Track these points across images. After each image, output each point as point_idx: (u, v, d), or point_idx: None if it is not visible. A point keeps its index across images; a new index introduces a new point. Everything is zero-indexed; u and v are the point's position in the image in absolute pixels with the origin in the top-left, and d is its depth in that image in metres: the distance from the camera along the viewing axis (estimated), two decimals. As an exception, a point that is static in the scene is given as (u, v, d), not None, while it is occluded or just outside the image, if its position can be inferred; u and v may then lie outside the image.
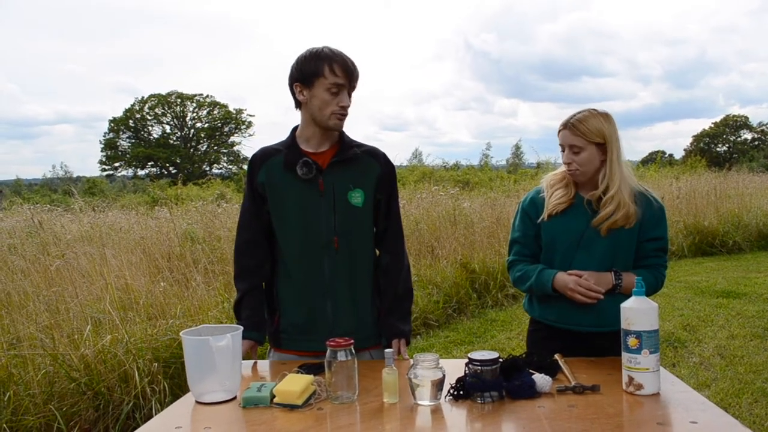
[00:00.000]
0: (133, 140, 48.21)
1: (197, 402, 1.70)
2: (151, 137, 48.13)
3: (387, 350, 1.67)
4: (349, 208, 2.03)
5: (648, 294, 1.75)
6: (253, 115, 55.90)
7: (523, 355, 1.89)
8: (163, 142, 47.55)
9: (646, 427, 1.45)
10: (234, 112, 48.98)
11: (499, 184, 16.39)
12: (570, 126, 2.01)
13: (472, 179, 19.98)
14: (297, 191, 2.02)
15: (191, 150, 48.70)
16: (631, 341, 1.63)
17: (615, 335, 1.99)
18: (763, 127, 48.43)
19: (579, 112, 2.03)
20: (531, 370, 1.72)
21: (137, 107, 47.78)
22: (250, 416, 1.59)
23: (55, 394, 3.39)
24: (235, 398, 1.71)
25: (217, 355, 1.66)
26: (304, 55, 1.99)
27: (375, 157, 2.11)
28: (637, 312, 1.64)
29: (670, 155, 42.60)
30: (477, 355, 1.67)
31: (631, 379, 1.64)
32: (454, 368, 1.73)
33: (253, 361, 2.09)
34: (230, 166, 48.36)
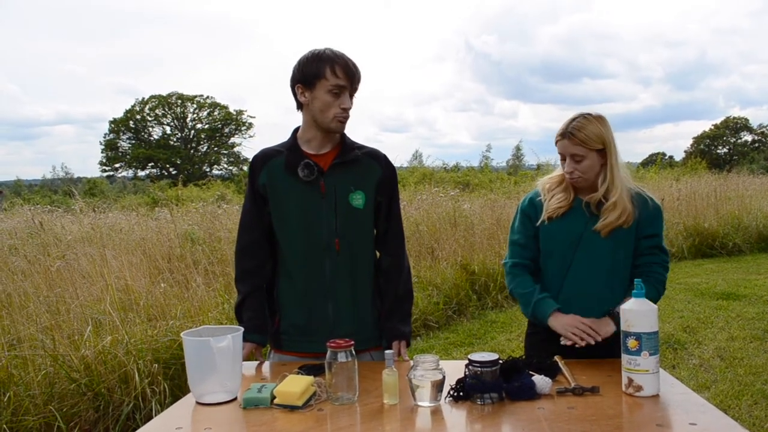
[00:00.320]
0: (134, 141, 48.21)
1: (198, 403, 1.70)
2: (152, 138, 48.15)
3: (387, 351, 1.68)
4: (350, 210, 2.03)
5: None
6: (254, 116, 55.94)
7: (523, 357, 1.89)
8: (163, 143, 47.56)
9: (646, 428, 1.45)
10: (234, 113, 49.01)
11: (500, 185, 16.41)
12: (568, 135, 1.99)
13: (472, 181, 19.98)
14: (298, 193, 2.03)
15: (191, 151, 48.71)
16: (631, 343, 1.64)
17: (613, 338, 2.01)
18: (764, 129, 48.39)
19: (574, 119, 2.01)
20: (531, 372, 1.73)
21: (137, 108, 47.80)
22: (251, 417, 1.59)
23: (56, 394, 3.40)
24: (235, 399, 1.71)
25: (218, 356, 1.66)
26: (306, 57, 1.99)
27: (376, 159, 2.11)
28: (637, 314, 1.64)
29: (671, 157, 42.68)
30: (477, 356, 1.67)
31: (630, 380, 1.64)
32: (454, 370, 1.73)
33: (257, 362, 2.09)
34: (230, 168, 48.36)
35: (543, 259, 2.13)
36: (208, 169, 47.78)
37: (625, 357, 1.66)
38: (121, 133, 47.90)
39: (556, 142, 2.05)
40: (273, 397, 1.64)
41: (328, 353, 1.64)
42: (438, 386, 1.60)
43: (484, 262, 7.08)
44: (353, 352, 1.66)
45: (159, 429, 1.59)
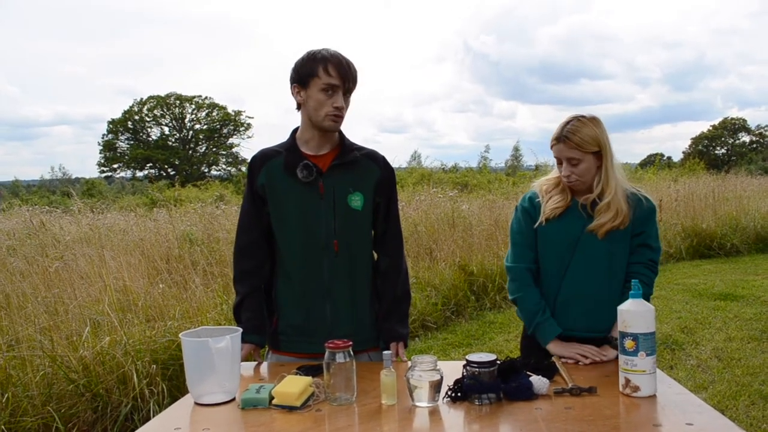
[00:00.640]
0: (132, 142, 48.16)
1: (196, 403, 1.71)
2: (150, 139, 48.10)
3: (385, 352, 1.68)
4: (349, 212, 2.04)
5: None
6: (252, 117, 56.07)
7: (521, 358, 1.90)
8: (161, 144, 47.51)
9: (643, 428, 1.46)
10: (233, 113, 49.00)
11: (498, 186, 16.42)
12: (564, 139, 1.99)
13: (470, 181, 19.99)
14: (297, 194, 2.03)
15: (190, 152, 48.67)
16: (628, 343, 1.64)
17: (608, 341, 2.01)
18: (762, 130, 48.50)
19: (569, 123, 2.01)
20: (528, 372, 1.73)
21: (136, 109, 47.75)
22: (249, 417, 1.59)
23: (54, 395, 3.39)
24: (234, 400, 1.71)
25: (216, 356, 1.66)
26: (302, 57, 2.01)
27: (375, 160, 2.11)
28: (634, 314, 1.65)
29: (669, 158, 42.67)
30: (475, 357, 1.67)
31: (627, 381, 1.65)
32: (452, 370, 1.74)
33: (255, 363, 2.10)
34: (229, 168, 48.32)
35: (541, 260, 2.13)
36: (206, 170, 47.75)
37: (622, 357, 1.66)
38: (120, 134, 47.85)
39: (552, 146, 2.04)
40: (271, 398, 1.65)
41: (326, 354, 1.64)
42: (436, 387, 1.61)
43: (482, 262, 7.08)
44: (351, 352, 1.66)
45: (157, 430, 1.59)
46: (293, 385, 1.64)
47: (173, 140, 48.53)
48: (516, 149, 42.00)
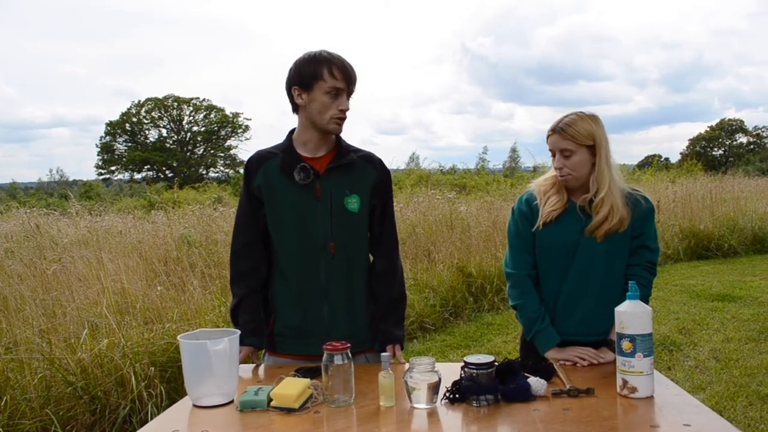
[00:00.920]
0: (130, 144, 48.11)
1: (194, 406, 1.71)
2: (148, 141, 48.06)
3: (383, 354, 1.68)
4: (346, 214, 2.04)
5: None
6: (250, 119, 55.98)
7: (519, 359, 1.90)
8: (159, 146, 47.47)
9: (640, 429, 1.47)
10: (231, 115, 48.98)
11: (496, 187, 16.46)
12: (559, 130, 1.99)
13: (468, 183, 20.01)
14: (294, 195, 2.03)
15: (188, 154, 48.63)
16: (625, 345, 1.64)
17: (606, 343, 2.02)
18: (759, 131, 48.58)
19: (567, 116, 2.01)
20: (526, 374, 1.73)
21: (134, 111, 47.72)
22: (248, 420, 1.59)
23: (52, 398, 3.39)
24: (232, 402, 1.72)
25: (215, 358, 1.67)
26: (303, 59, 2.00)
27: (371, 162, 2.12)
28: (631, 316, 1.65)
29: (666, 159, 42.68)
30: (473, 358, 1.68)
31: (625, 382, 1.65)
32: (450, 372, 1.74)
33: (254, 365, 2.10)
34: (227, 170, 48.29)
35: (540, 265, 2.11)
36: (204, 172, 47.71)
37: (619, 359, 1.66)
38: (117, 136, 47.79)
39: (548, 138, 2.04)
40: (270, 400, 1.65)
41: (325, 356, 1.65)
42: (434, 388, 1.61)
43: (480, 264, 7.09)
44: (350, 354, 1.66)
45: (156, 432, 1.59)
46: (291, 387, 1.64)
47: (171, 142, 48.50)
48: (514, 150, 42.04)
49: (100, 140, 47.87)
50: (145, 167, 47.36)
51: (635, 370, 1.63)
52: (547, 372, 1.80)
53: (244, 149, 49.20)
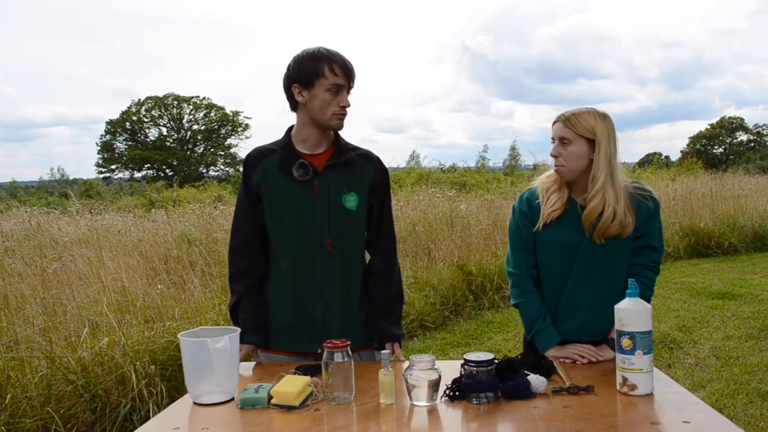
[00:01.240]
0: (130, 142, 48.10)
1: (195, 403, 1.71)
2: (148, 139, 48.05)
3: (384, 351, 1.68)
4: (344, 212, 2.04)
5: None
6: (250, 117, 56.03)
7: (519, 357, 1.90)
8: (159, 145, 47.46)
9: (640, 427, 1.46)
10: (231, 114, 48.97)
11: (496, 186, 16.45)
12: (563, 118, 1.99)
13: (468, 181, 20.00)
14: (292, 192, 2.03)
15: (188, 152, 48.63)
16: (625, 342, 1.65)
17: (606, 341, 2.02)
18: (759, 129, 48.53)
19: (577, 108, 2.00)
20: (526, 371, 1.74)
21: (134, 109, 47.71)
22: (248, 417, 1.60)
23: (53, 396, 3.39)
24: (232, 399, 1.72)
25: (215, 356, 1.67)
26: (302, 56, 2.00)
27: (370, 160, 2.12)
28: (631, 313, 1.65)
29: (667, 157, 42.67)
30: (473, 356, 1.68)
31: (624, 379, 1.65)
32: (450, 369, 1.74)
33: (254, 363, 2.10)
34: (227, 169, 48.30)
35: (541, 266, 2.09)
36: (204, 171, 47.72)
37: (619, 356, 1.67)
38: (118, 135, 47.79)
39: (552, 125, 2.03)
40: (270, 398, 1.65)
41: (325, 353, 1.65)
42: (434, 386, 1.61)
43: (480, 262, 7.09)
44: (350, 352, 1.66)
45: (156, 430, 1.59)
46: (292, 385, 1.65)
47: (171, 141, 48.50)
48: (514, 149, 42.06)
49: (101, 139, 47.93)
50: (146, 166, 47.38)
51: (635, 367, 1.63)
52: (546, 369, 1.80)
53: (245, 148, 49.33)
